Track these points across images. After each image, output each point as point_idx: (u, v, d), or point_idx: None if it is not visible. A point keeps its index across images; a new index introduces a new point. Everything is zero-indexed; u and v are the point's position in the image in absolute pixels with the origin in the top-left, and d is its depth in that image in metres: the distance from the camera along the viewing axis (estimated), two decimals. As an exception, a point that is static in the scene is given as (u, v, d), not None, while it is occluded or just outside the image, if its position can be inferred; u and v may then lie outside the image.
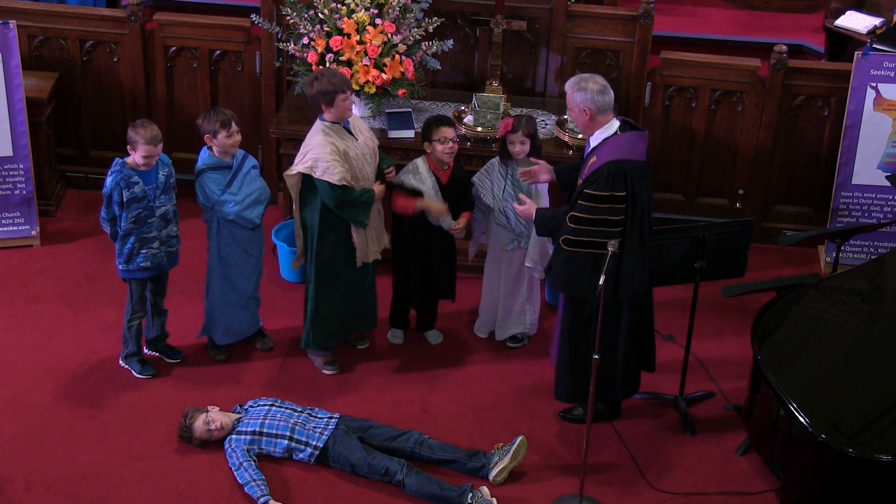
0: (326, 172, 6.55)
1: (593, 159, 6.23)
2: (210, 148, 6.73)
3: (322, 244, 6.78)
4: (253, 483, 6.25)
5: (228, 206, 6.73)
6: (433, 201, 6.88)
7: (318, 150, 6.58)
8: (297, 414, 6.54)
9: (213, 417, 6.50)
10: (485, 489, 6.30)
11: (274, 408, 6.57)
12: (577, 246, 6.24)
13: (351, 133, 6.69)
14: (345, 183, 6.58)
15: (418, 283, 7.13)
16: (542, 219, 6.46)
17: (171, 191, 6.75)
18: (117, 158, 6.63)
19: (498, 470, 6.39)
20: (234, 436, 6.47)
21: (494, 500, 6.26)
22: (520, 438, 6.45)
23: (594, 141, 6.31)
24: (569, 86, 6.29)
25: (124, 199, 6.57)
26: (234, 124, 6.68)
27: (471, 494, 6.24)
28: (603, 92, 6.20)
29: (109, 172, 6.59)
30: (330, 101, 6.55)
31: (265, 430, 6.45)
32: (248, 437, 6.44)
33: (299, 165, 6.63)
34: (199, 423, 6.49)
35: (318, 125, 6.67)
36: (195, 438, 6.52)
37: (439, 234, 7.01)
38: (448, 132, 6.81)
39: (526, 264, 7.05)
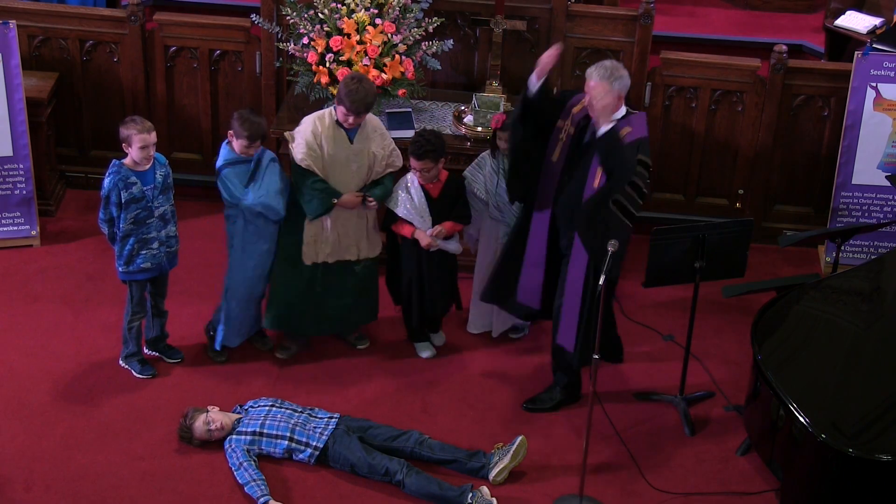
0: (296, 148, 6.70)
1: (627, 129, 6.33)
2: (230, 142, 6.74)
3: (289, 226, 6.86)
4: (253, 483, 6.26)
5: (254, 198, 6.71)
6: (423, 234, 6.82)
7: (303, 125, 6.75)
8: (297, 414, 6.54)
9: (213, 417, 6.50)
10: (485, 489, 6.30)
11: (274, 408, 6.57)
12: (624, 214, 6.32)
13: (350, 137, 6.72)
14: (306, 166, 6.67)
15: (418, 295, 7.06)
16: (597, 203, 6.36)
17: (169, 191, 6.75)
18: (114, 160, 6.63)
19: (498, 470, 6.39)
20: (234, 436, 6.47)
21: (494, 500, 6.26)
22: (520, 438, 6.45)
23: (607, 123, 6.39)
24: (600, 77, 6.32)
25: (122, 200, 6.57)
26: (258, 141, 6.69)
27: (471, 494, 6.24)
28: (629, 74, 6.44)
29: (107, 174, 6.59)
30: (338, 102, 6.65)
31: (265, 431, 6.45)
32: (249, 437, 6.44)
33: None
34: (200, 423, 6.49)
35: (326, 111, 6.77)
36: (195, 438, 6.52)
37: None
38: (414, 163, 6.72)
39: None
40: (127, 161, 6.59)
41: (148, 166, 6.61)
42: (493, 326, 7.36)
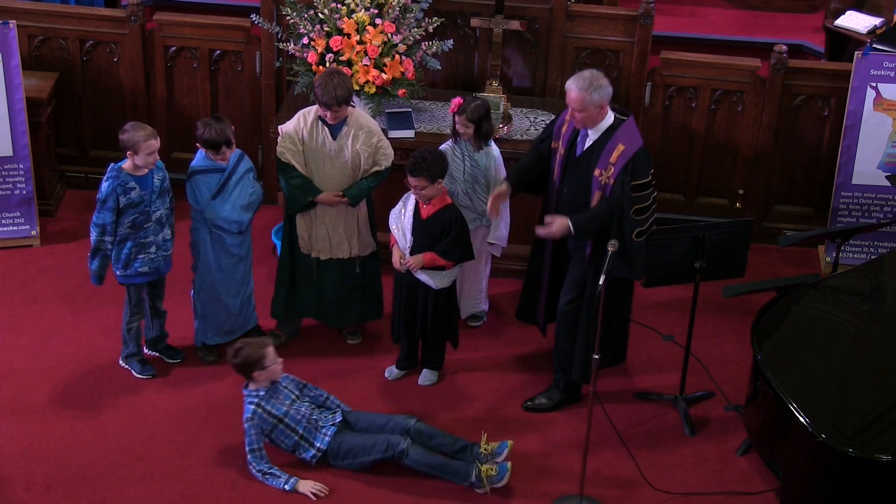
0: (279, 141, 6.83)
1: (620, 147, 6.31)
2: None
3: (290, 215, 6.98)
4: (270, 476, 6.29)
5: (216, 211, 6.72)
6: (396, 253, 6.75)
7: (290, 120, 6.85)
8: (314, 411, 6.51)
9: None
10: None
11: (298, 401, 6.50)
12: (645, 234, 6.38)
13: (333, 133, 6.75)
14: (285, 160, 6.76)
15: (401, 315, 6.96)
16: (581, 225, 6.41)
17: (166, 195, 6.74)
18: (112, 164, 6.60)
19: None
20: (259, 409, 6.35)
21: (508, 464, 6.30)
22: (507, 447, 6.44)
23: (595, 132, 6.40)
24: (578, 88, 6.28)
25: (121, 205, 6.55)
26: (224, 147, 6.67)
27: (476, 469, 6.28)
28: (610, 83, 6.36)
29: (105, 178, 6.56)
30: (314, 99, 6.75)
31: (286, 421, 6.39)
32: (272, 420, 6.37)
33: None
34: (272, 350, 6.37)
35: (313, 107, 6.82)
36: (261, 358, 6.32)
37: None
38: (410, 180, 6.61)
39: (489, 240, 7.12)
40: (126, 165, 6.58)
41: (148, 171, 6.60)
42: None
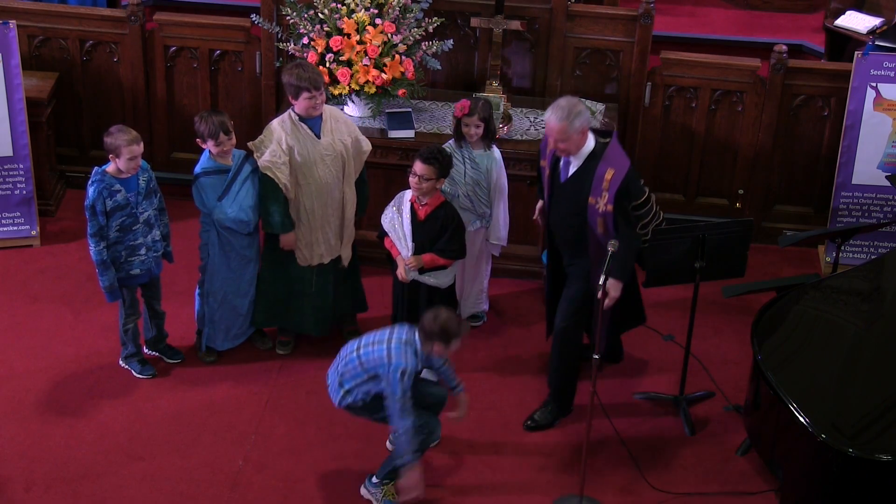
0: (262, 156, 6.70)
1: (610, 172, 6.24)
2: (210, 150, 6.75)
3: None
4: (414, 436, 6.01)
5: (224, 212, 6.72)
6: (401, 264, 6.73)
7: (267, 132, 6.75)
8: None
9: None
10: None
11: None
12: (650, 234, 6.48)
13: (316, 132, 6.73)
14: (269, 173, 6.67)
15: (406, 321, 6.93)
16: (621, 273, 6.34)
17: (153, 195, 6.73)
18: (96, 168, 6.59)
19: None
20: (416, 368, 6.03)
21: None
22: None
23: (578, 159, 6.35)
24: (558, 119, 6.18)
25: (108, 208, 6.54)
26: (222, 135, 6.65)
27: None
28: (586, 108, 6.32)
29: (90, 183, 6.54)
30: (294, 94, 6.66)
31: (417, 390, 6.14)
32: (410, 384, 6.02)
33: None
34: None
35: (285, 114, 6.77)
36: (456, 338, 6.00)
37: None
38: (416, 167, 6.58)
39: (491, 241, 7.15)
40: (110, 169, 6.57)
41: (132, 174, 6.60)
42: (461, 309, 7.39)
